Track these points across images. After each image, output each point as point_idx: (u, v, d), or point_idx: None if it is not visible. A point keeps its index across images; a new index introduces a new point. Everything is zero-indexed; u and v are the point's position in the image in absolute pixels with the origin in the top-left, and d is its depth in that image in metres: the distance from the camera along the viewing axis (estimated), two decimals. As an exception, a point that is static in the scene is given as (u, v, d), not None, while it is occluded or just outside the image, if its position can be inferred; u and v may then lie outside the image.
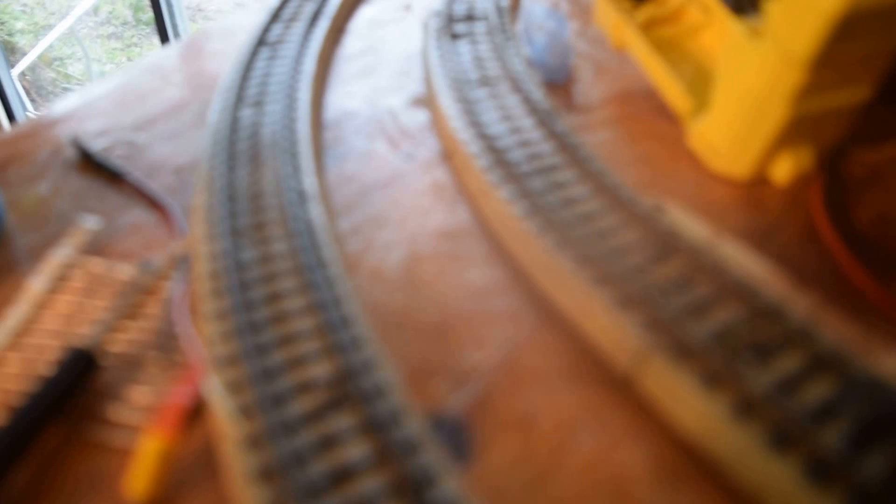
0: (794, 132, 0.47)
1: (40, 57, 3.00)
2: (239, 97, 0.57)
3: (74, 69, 3.12)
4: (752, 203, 0.49)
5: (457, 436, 0.36)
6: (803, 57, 0.43)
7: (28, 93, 2.86)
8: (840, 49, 0.42)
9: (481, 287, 0.44)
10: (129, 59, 3.17)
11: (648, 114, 0.58)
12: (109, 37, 3.27)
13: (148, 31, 3.24)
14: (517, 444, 0.36)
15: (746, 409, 0.33)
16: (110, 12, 3.31)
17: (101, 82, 0.67)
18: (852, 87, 0.46)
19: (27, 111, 2.54)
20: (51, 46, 3.05)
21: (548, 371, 0.39)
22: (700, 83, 0.54)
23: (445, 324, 0.42)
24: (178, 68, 0.69)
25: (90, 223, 0.49)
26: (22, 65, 2.87)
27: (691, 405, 0.35)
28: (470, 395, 0.38)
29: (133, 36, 3.29)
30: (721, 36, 0.56)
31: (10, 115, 2.45)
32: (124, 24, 3.31)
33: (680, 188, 0.50)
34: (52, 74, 3.08)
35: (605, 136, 0.56)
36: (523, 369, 0.39)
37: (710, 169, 0.52)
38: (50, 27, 3.07)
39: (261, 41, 0.65)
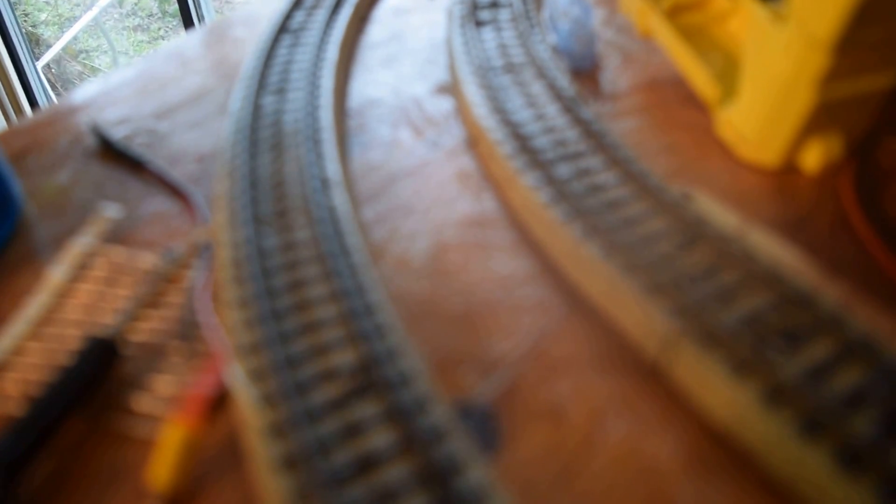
0: (822, 119, 0.46)
1: (65, 49, 3.02)
2: (261, 85, 0.57)
3: (100, 62, 3.13)
4: (783, 192, 0.48)
5: (485, 425, 0.36)
6: (826, 40, 0.42)
7: (53, 86, 2.87)
8: (863, 32, 0.41)
9: (508, 276, 0.43)
10: (155, 52, 3.17)
11: (676, 102, 0.57)
12: (135, 29, 3.28)
13: (174, 23, 3.25)
14: (546, 433, 0.35)
15: (777, 396, 0.33)
16: (136, 4, 3.32)
17: (121, 70, 0.66)
18: (879, 72, 0.45)
19: (51, 104, 2.55)
20: (76, 38, 3.06)
21: (576, 360, 0.39)
22: (728, 71, 0.53)
23: (472, 312, 0.41)
24: (200, 56, 0.69)
25: (111, 211, 0.48)
26: (46, 57, 2.88)
27: (721, 393, 0.34)
28: (498, 385, 0.37)
29: (159, 28, 3.29)
30: (747, 22, 0.55)
31: (34, 108, 2.46)
32: (150, 15, 3.32)
33: (709, 177, 0.50)
34: (78, 67, 3.09)
35: (632, 125, 0.55)
36: (551, 358, 0.39)
37: (740, 157, 0.51)
38: (75, 19, 3.08)
39: (283, 28, 0.65)
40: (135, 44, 3.26)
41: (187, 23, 2.35)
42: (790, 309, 0.36)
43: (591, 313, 0.41)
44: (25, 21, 3.04)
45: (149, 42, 3.26)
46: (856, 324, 0.35)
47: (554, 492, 0.33)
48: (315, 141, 0.50)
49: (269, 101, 0.55)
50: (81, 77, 3.09)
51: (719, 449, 0.34)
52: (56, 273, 0.44)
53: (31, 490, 0.34)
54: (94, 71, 3.11)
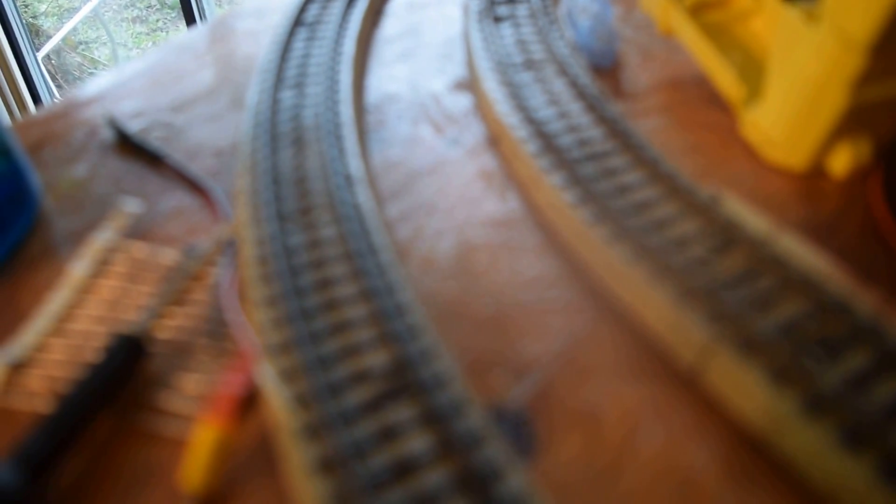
0: (852, 122, 0.45)
1: (65, 40, 3.01)
2: (278, 79, 0.56)
3: (100, 53, 3.13)
4: (810, 195, 0.48)
5: (519, 429, 0.35)
6: (863, 41, 0.41)
7: (53, 77, 2.87)
8: None
9: (536, 277, 0.43)
10: (154, 44, 3.17)
11: (698, 101, 0.56)
12: (134, 20, 3.27)
13: (173, 14, 3.24)
14: (581, 439, 0.35)
15: (816, 405, 0.32)
16: (134, -5, 3.31)
17: (134, 62, 0.66)
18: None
19: (52, 95, 2.55)
20: (75, 30, 3.06)
21: (609, 364, 0.38)
22: (751, 70, 0.53)
23: (502, 314, 0.41)
24: (211, 49, 0.68)
25: (131, 206, 0.48)
26: (46, 48, 2.88)
27: (759, 401, 0.34)
28: (531, 388, 0.37)
29: (158, 20, 3.29)
30: (772, 21, 0.54)
31: (35, 98, 2.45)
32: (149, 7, 3.31)
33: (733, 178, 0.49)
34: (78, 58, 3.08)
35: (654, 124, 0.54)
36: (583, 362, 0.38)
37: (765, 159, 0.50)
38: (74, 10, 3.07)
39: (297, 21, 0.64)
40: (133, 35, 3.25)
41: (187, 14, 2.34)
42: (827, 316, 0.36)
43: (622, 316, 0.40)
44: (26, 12, 3.03)
45: (147, 34, 3.25)
46: (894, 332, 0.35)
47: (591, 496, 0.33)
48: (336, 137, 0.49)
49: (287, 95, 0.54)
50: (80, 68, 3.08)
51: (757, 457, 0.34)
52: (77, 268, 0.43)
53: (59, 489, 0.33)
54: (93, 62, 3.10)
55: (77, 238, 0.46)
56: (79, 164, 0.53)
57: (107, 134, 0.56)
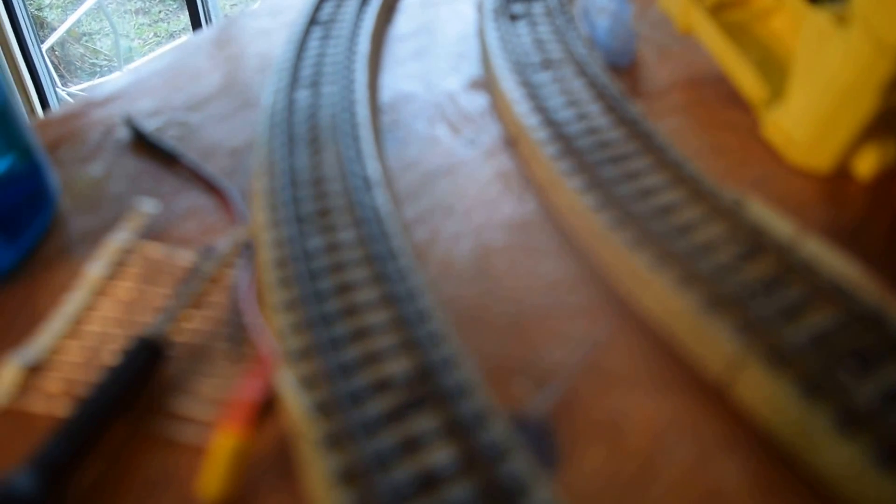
0: (880, 124, 0.45)
1: (69, 32, 3.01)
2: (294, 78, 0.56)
3: (102, 44, 3.12)
4: (834, 198, 0.47)
5: (542, 440, 0.34)
6: None
7: (57, 68, 2.86)
8: None
9: (556, 281, 0.42)
10: (156, 35, 3.17)
11: (718, 101, 0.56)
12: (137, 12, 3.27)
13: (175, 6, 3.24)
14: (606, 451, 0.34)
15: (850, 420, 0.31)
16: (138, -13, 3.31)
17: (149, 61, 0.65)
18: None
19: (56, 86, 2.54)
20: (79, 21, 3.05)
21: (633, 373, 0.37)
22: (772, 70, 0.52)
23: (522, 319, 0.40)
24: (225, 48, 0.68)
25: (147, 206, 0.47)
26: (51, 40, 2.88)
27: (790, 415, 0.33)
28: (553, 397, 0.36)
29: (160, 11, 3.28)
30: (794, 21, 0.54)
31: (40, 90, 2.45)
32: (151, -2, 3.31)
33: (755, 180, 0.48)
34: (81, 50, 3.08)
35: (673, 124, 0.54)
36: (606, 370, 0.37)
37: (788, 161, 0.50)
38: (79, 2, 3.07)
39: (313, 20, 0.63)
40: (136, 26, 3.24)
41: (190, 5, 2.33)
42: (859, 326, 0.35)
43: (645, 324, 0.40)
44: (30, 4, 3.02)
45: (150, 25, 3.25)
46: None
47: (616, 511, 0.32)
48: (353, 137, 0.49)
49: (303, 95, 0.54)
50: (84, 60, 3.08)
51: (787, 473, 0.33)
52: (93, 269, 0.43)
53: (77, 494, 0.33)
54: (96, 53, 3.10)
55: (93, 238, 0.46)
56: (95, 163, 0.53)
57: (123, 133, 0.55)
